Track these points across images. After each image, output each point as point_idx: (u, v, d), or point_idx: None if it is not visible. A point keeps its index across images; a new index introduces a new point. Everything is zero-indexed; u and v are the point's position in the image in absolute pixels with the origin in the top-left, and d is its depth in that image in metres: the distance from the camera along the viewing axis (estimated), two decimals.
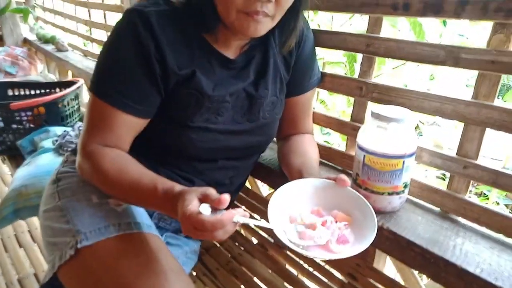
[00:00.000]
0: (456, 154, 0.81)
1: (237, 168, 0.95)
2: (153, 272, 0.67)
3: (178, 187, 0.67)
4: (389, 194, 0.81)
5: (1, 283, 1.31)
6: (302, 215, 0.71)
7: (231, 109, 0.84)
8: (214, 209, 0.59)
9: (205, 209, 0.58)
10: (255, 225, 1.00)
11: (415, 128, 2.74)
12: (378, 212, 0.83)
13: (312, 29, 0.96)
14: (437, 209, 0.86)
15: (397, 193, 0.81)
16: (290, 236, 0.67)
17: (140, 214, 0.81)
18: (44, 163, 1.37)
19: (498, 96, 0.75)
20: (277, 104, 0.91)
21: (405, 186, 0.81)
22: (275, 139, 1.04)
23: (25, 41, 3.00)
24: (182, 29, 0.77)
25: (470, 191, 0.82)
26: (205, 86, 0.79)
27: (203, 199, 0.60)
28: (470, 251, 0.72)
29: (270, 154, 1.11)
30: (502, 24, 0.70)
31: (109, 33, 2.04)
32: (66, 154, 0.93)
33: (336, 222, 0.70)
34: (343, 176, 0.74)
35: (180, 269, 0.73)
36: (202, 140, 0.83)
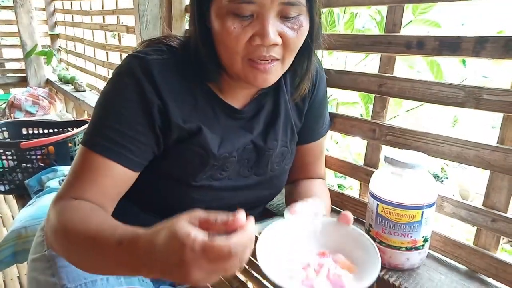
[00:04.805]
0: (483, 205, 0.72)
1: None
2: None
3: (142, 229, 0.50)
4: (407, 249, 0.72)
5: None
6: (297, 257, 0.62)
7: (237, 163, 0.76)
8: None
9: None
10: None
11: (440, 171, 2.59)
12: (395, 269, 0.74)
13: None
14: (463, 267, 0.76)
15: (416, 248, 0.72)
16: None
17: None
18: (46, 204, 1.29)
19: None
20: (287, 155, 0.83)
21: (425, 240, 0.72)
22: None
23: (47, 82, 3.10)
24: (185, 78, 0.69)
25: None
26: (211, 144, 0.70)
27: (200, 225, 0.46)
28: None
29: (278, 198, 1.04)
30: None
31: None
32: None
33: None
34: (347, 213, 0.64)
35: None
36: (204, 200, 0.75)
